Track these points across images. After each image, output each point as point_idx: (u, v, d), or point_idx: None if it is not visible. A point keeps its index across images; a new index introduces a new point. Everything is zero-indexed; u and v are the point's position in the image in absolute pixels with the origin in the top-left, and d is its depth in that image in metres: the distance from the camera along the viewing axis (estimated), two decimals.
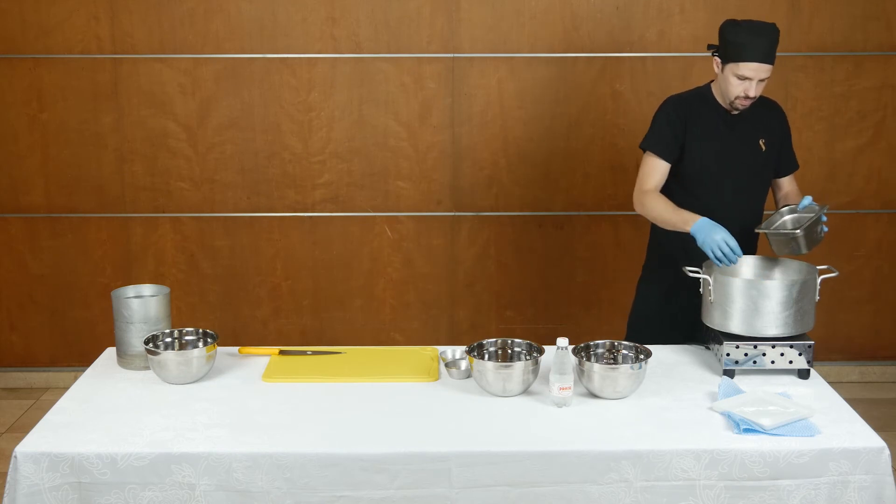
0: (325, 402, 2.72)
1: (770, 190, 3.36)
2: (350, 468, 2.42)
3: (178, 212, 4.62)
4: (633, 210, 3.26)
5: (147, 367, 2.92)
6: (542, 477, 2.43)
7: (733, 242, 2.91)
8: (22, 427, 4.33)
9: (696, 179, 3.22)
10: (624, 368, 2.73)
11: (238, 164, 4.58)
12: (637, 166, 3.34)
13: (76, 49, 4.47)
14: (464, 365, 2.95)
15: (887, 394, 4.75)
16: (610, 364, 2.85)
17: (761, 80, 3.07)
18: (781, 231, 3.08)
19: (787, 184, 3.35)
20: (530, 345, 2.90)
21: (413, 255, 4.69)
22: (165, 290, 3.06)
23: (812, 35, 4.50)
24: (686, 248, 3.14)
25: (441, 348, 3.08)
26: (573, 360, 2.74)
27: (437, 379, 2.88)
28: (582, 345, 2.86)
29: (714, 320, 2.94)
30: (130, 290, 3.08)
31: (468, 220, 4.66)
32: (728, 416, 2.59)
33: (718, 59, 3.14)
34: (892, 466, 2.48)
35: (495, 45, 4.49)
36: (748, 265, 3.13)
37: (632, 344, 2.88)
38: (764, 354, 2.88)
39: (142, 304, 2.95)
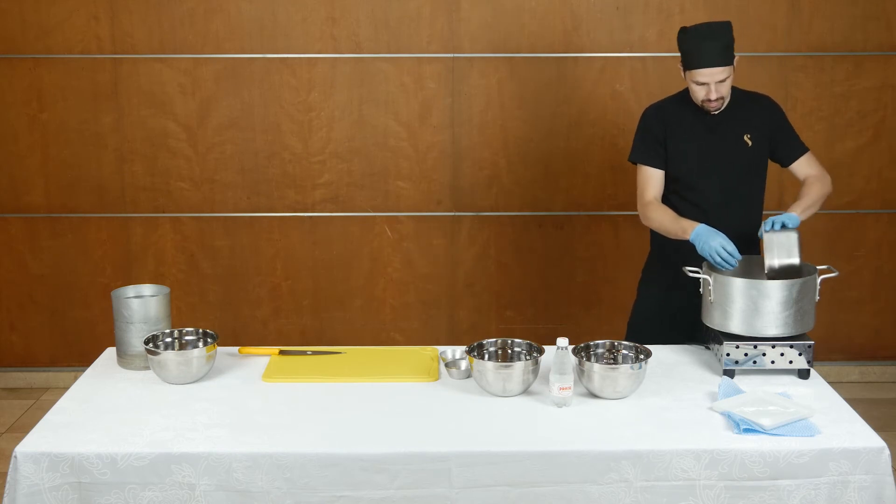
0: (325, 402, 2.72)
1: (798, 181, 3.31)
2: (350, 468, 2.42)
3: (178, 212, 4.62)
4: (633, 210, 3.27)
5: (147, 367, 2.92)
6: (542, 477, 2.43)
7: (731, 247, 2.92)
8: (22, 427, 4.33)
9: (684, 183, 3.23)
10: (624, 368, 2.73)
11: (238, 164, 4.58)
12: (636, 167, 3.34)
13: (76, 49, 4.47)
14: (464, 365, 2.95)
15: (887, 394, 4.75)
16: (610, 364, 2.85)
17: (720, 82, 3.08)
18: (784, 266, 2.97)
19: (803, 168, 3.27)
20: (530, 345, 2.90)
21: (413, 255, 4.69)
22: (165, 290, 3.06)
23: (812, 35, 4.50)
24: (686, 250, 3.14)
25: (441, 348, 3.08)
26: (573, 360, 2.74)
27: (437, 379, 2.88)
28: (582, 345, 2.86)
29: (714, 320, 2.94)
30: (130, 290, 3.08)
31: (468, 220, 4.66)
32: (728, 416, 2.59)
33: (681, 67, 3.17)
34: (892, 466, 2.48)
35: (495, 45, 4.49)
36: (748, 265, 3.12)
37: (632, 344, 2.88)
38: (764, 354, 2.88)
39: (142, 304, 2.95)
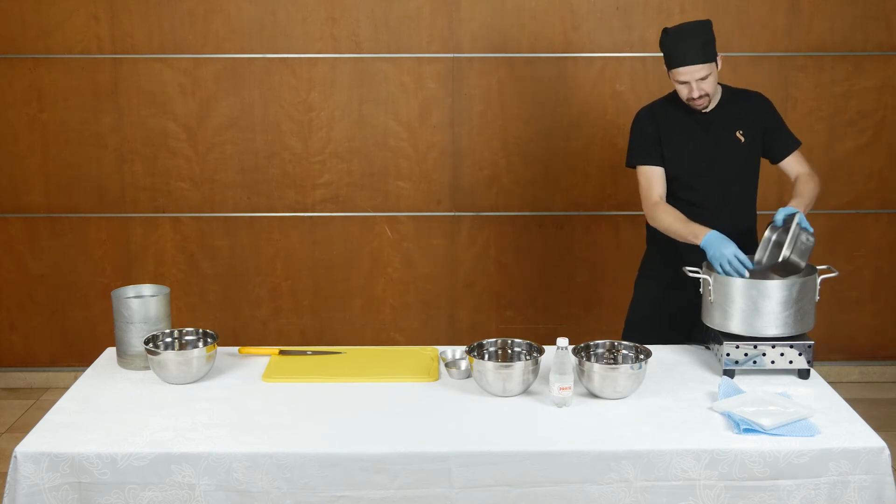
0: (325, 402, 2.72)
1: (788, 177, 3.32)
2: (350, 468, 2.42)
3: (178, 212, 4.62)
4: (633, 210, 3.27)
5: (147, 367, 2.92)
6: (542, 477, 2.43)
7: (743, 256, 2.91)
8: (22, 427, 4.33)
9: (680, 182, 3.24)
10: (624, 368, 2.73)
11: (238, 164, 4.58)
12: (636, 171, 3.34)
13: (76, 49, 4.47)
14: (464, 365, 2.95)
15: (887, 394, 4.75)
16: (610, 364, 2.85)
17: (702, 79, 3.09)
18: (774, 263, 2.97)
19: (793, 166, 3.28)
20: (530, 345, 2.90)
21: (413, 255, 4.69)
22: (165, 290, 3.06)
23: (812, 35, 4.50)
24: (684, 247, 3.15)
25: (441, 348, 3.08)
26: (573, 360, 2.74)
27: (437, 379, 2.88)
28: (582, 345, 2.86)
29: (714, 320, 2.94)
30: (130, 290, 3.08)
31: (468, 220, 4.66)
32: (728, 416, 2.59)
33: (666, 67, 3.19)
34: (892, 466, 2.48)
35: (495, 45, 4.49)
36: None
37: (632, 344, 2.88)
38: (764, 354, 2.88)
39: (142, 304, 2.95)
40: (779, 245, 2.95)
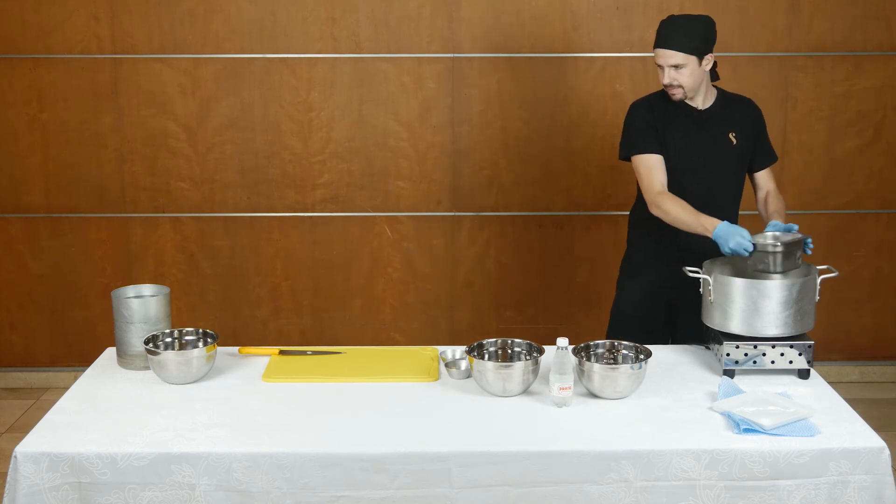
0: (325, 402, 2.72)
1: (753, 189, 3.36)
2: (350, 468, 2.42)
3: (178, 212, 4.62)
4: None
5: (147, 367, 2.92)
6: (542, 477, 2.43)
7: (749, 237, 2.91)
8: (22, 427, 4.33)
9: (671, 178, 3.21)
10: (624, 368, 2.73)
11: (238, 164, 4.58)
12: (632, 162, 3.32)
13: (76, 49, 4.47)
14: (464, 365, 2.95)
15: (887, 394, 4.75)
16: (610, 364, 2.85)
17: (675, 68, 3.10)
18: (764, 243, 2.97)
19: (765, 181, 3.32)
20: (530, 345, 2.90)
21: (413, 255, 4.69)
22: (165, 290, 3.06)
23: (812, 35, 4.50)
24: (669, 243, 3.16)
25: (441, 348, 3.08)
26: (573, 360, 2.74)
27: (437, 379, 2.88)
28: (582, 345, 2.86)
29: (714, 320, 2.94)
30: (130, 290, 3.08)
31: (468, 220, 4.66)
32: (728, 416, 2.59)
33: None
34: (892, 466, 2.48)
35: (495, 45, 4.49)
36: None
37: (632, 344, 2.88)
38: (764, 354, 2.88)
39: (142, 304, 2.95)
40: (776, 239, 2.95)
